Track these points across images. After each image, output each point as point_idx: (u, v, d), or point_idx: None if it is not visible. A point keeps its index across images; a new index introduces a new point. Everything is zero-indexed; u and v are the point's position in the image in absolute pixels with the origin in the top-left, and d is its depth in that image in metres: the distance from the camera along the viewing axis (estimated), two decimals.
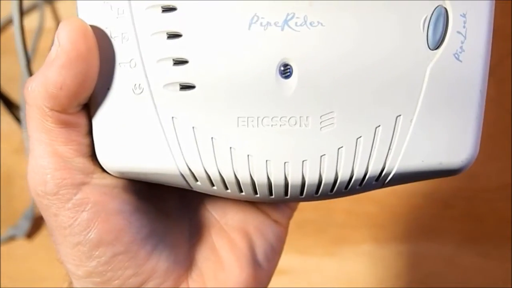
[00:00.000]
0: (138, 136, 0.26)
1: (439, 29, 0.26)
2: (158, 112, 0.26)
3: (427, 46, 0.26)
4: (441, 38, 0.26)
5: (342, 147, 0.26)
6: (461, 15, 0.26)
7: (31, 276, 0.56)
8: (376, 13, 0.26)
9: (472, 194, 0.53)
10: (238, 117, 0.26)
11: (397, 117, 0.26)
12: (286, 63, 0.26)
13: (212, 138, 0.26)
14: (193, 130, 0.26)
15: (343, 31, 0.25)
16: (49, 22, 0.64)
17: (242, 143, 0.26)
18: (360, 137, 0.26)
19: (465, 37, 0.26)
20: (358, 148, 0.26)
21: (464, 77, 0.26)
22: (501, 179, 0.52)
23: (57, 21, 0.65)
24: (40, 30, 0.63)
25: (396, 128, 0.26)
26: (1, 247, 0.57)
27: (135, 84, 0.26)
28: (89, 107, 0.27)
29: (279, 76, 0.26)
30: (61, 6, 0.64)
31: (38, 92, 0.25)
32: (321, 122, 0.26)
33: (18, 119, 0.59)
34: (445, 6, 0.26)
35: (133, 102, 0.26)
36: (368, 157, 0.26)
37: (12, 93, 0.60)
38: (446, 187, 0.53)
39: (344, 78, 0.26)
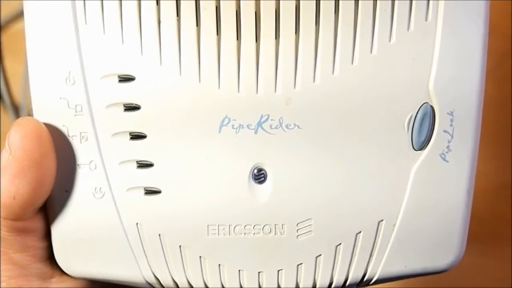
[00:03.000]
0: (100, 241, 0.24)
1: (424, 129, 0.24)
2: (121, 218, 0.24)
3: (411, 146, 0.24)
4: (427, 138, 0.24)
5: (320, 255, 0.24)
6: (448, 113, 0.24)
7: None
8: (357, 113, 0.24)
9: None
10: (208, 225, 0.24)
11: (379, 222, 0.24)
12: (260, 167, 0.24)
13: (180, 246, 0.24)
14: (160, 238, 0.24)
15: (321, 134, 0.23)
16: None
17: (213, 252, 0.24)
18: (340, 244, 0.24)
19: (452, 136, 0.24)
20: (337, 255, 0.24)
21: (450, 178, 0.24)
22: (501, 179, 0.51)
23: None
24: None
25: (378, 234, 0.24)
26: None
27: (96, 188, 0.24)
28: (46, 210, 0.25)
29: (252, 182, 0.24)
30: None
31: None
32: (297, 230, 0.24)
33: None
34: (431, 104, 0.24)
35: (94, 206, 0.24)
36: (348, 265, 0.24)
37: (12, 93, 0.58)
38: None
39: (322, 184, 0.24)
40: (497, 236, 0.51)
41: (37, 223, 0.24)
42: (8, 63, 0.58)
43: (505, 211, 0.51)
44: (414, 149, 0.24)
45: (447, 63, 0.24)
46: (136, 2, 0.23)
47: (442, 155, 0.24)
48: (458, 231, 0.25)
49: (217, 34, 0.23)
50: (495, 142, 0.52)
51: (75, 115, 0.24)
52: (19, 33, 0.60)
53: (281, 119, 0.23)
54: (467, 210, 0.25)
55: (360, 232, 0.24)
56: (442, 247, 0.25)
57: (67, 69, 0.23)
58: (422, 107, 0.24)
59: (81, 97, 0.23)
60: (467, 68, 0.24)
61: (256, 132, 0.23)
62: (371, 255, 0.24)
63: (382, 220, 0.24)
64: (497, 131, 0.52)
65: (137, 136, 0.24)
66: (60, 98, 0.23)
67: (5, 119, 0.57)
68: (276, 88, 0.23)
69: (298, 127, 0.23)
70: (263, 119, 0.23)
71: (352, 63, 0.23)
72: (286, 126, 0.23)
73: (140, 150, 0.24)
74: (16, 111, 0.57)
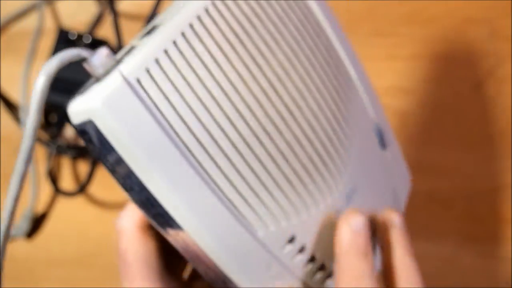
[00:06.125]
0: None
1: None
2: None
3: None
4: None
5: None
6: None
7: (31, 276, 0.54)
8: None
9: (472, 194, 0.52)
10: None
11: None
12: None
13: None
14: None
15: None
16: (49, 22, 0.62)
17: None
18: None
19: None
20: None
21: None
22: (501, 179, 0.52)
23: (57, 21, 0.63)
24: (39, 30, 0.62)
25: None
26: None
27: None
28: None
29: None
30: (61, 6, 0.63)
31: None
32: None
33: (18, 119, 0.58)
34: None
35: None
36: None
37: (12, 93, 0.58)
38: (446, 187, 0.52)
39: None
40: (497, 237, 0.51)
41: None
42: (8, 63, 0.58)
43: (505, 211, 0.51)
44: None
45: None
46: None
47: None
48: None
49: None
50: (495, 142, 0.52)
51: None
52: (19, 33, 0.63)
53: None
54: None
55: None
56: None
57: None
58: None
59: None
60: None
61: None
62: None
63: None
64: (497, 131, 0.53)
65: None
66: None
67: (5, 119, 0.58)
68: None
69: None
70: None
71: None
72: None
73: None
74: (16, 111, 0.58)
